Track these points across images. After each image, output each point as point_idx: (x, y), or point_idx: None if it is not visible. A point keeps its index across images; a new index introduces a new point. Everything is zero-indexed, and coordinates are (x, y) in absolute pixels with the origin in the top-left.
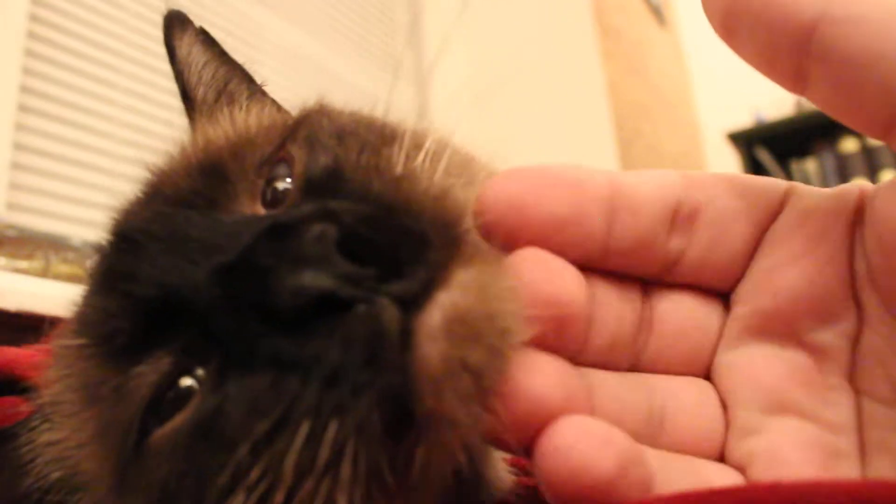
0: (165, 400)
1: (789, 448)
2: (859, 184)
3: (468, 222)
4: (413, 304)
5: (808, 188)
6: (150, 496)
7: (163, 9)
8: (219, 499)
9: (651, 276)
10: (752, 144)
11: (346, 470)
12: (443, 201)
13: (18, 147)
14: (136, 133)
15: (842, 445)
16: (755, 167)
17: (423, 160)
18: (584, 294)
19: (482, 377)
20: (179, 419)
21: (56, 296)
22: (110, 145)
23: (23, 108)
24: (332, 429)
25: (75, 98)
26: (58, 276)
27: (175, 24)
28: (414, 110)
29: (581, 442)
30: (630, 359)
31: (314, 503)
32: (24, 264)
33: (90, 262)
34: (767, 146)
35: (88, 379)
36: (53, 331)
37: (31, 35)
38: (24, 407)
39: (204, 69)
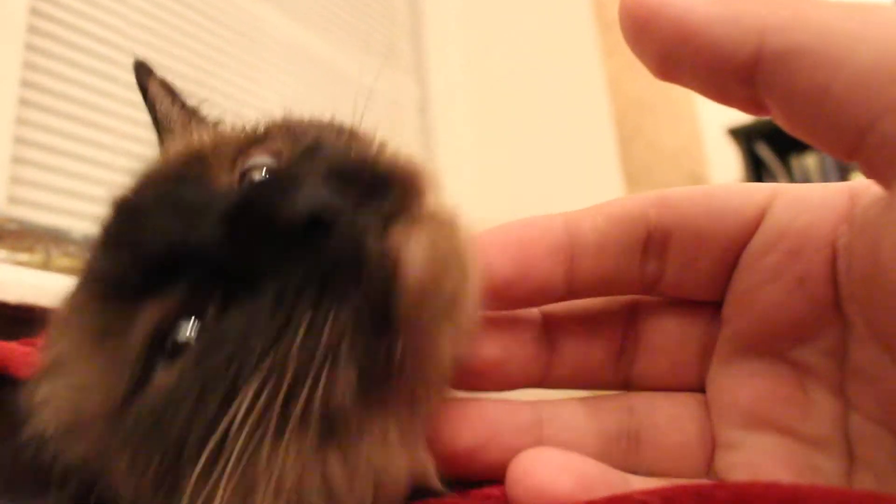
0: (171, 338)
1: (767, 463)
2: (849, 186)
3: (430, 186)
4: (393, 221)
5: (791, 196)
6: (151, 428)
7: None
8: (218, 412)
9: (634, 293)
10: (752, 140)
11: (344, 353)
12: (409, 163)
13: (19, 141)
14: (136, 127)
15: (820, 460)
16: (755, 162)
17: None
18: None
19: (452, 301)
20: (186, 355)
21: (57, 288)
22: (110, 139)
23: (24, 103)
24: (331, 318)
25: (76, 92)
26: (58, 269)
27: (142, 69)
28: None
29: (539, 470)
30: (618, 376)
31: (316, 392)
32: (24, 257)
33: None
34: (768, 141)
35: (94, 325)
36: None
37: (32, 29)
38: None
39: (173, 103)
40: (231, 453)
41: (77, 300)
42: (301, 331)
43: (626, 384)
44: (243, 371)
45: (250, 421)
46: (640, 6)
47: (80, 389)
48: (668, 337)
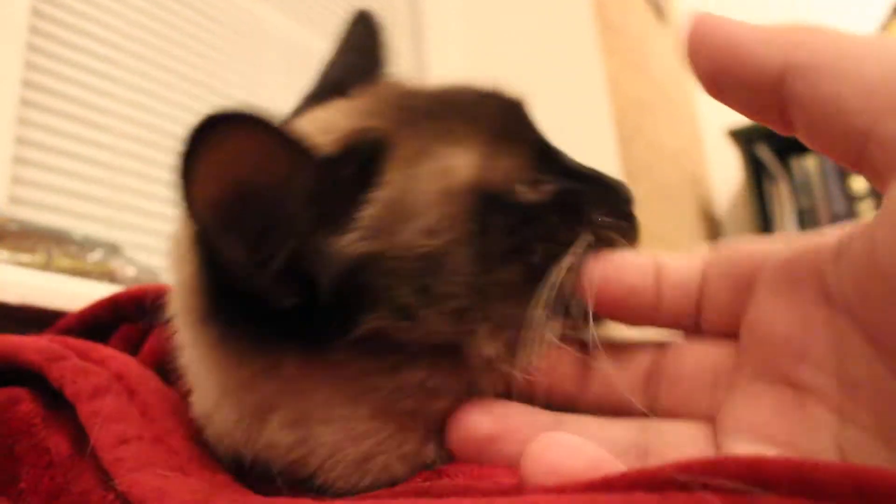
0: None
1: None
2: (834, 233)
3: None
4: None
5: (785, 244)
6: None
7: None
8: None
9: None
10: (752, 141)
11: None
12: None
13: (21, 141)
14: (138, 128)
15: None
16: (755, 164)
17: None
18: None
19: None
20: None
21: (58, 289)
22: (112, 140)
23: (25, 103)
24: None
25: (77, 93)
26: (60, 270)
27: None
28: None
29: (554, 449)
30: (644, 403)
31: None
32: (26, 258)
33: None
34: (768, 143)
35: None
36: (56, 324)
37: (34, 30)
38: (25, 405)
39: None
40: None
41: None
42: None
43: (652, 412)
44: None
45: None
46: (701, 23)
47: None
48: (685, 367)
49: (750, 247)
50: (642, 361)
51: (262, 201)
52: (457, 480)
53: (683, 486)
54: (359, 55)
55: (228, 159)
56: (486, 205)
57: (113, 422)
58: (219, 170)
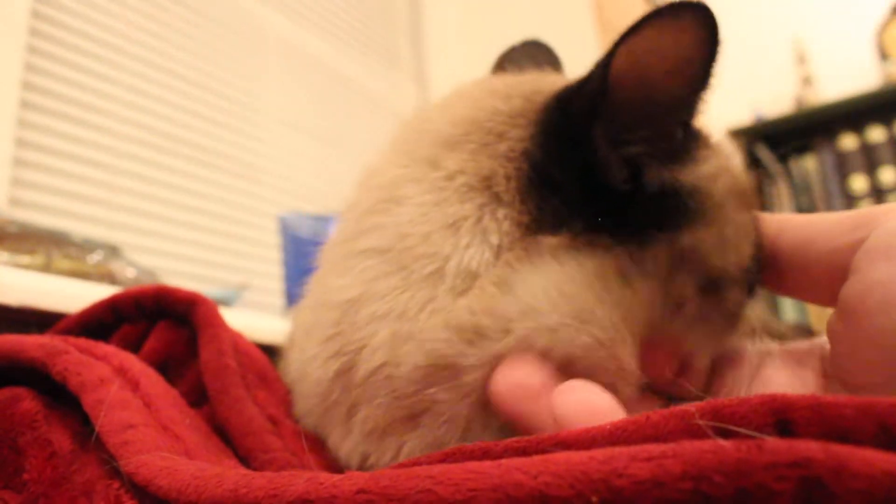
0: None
1: None
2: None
3: None
4: None
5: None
6: None
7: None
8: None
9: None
10: (751, 142)
11: None
12: None
13: (21, 143)
14: (138, 130)
15: None
16: (755, 164)
17: None
18: None
19: None
20: None
21: (58, 291)
22: (112, 142)
23: (25, 105)
24: None
25: (78, 94)
26: (59, 272)
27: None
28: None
29: (584, 388)
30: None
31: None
32: (25, 259)
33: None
34: (767, 143)
35: None
36: (56, 325)
37: (34, 32)
38: (26, 402)
39: None
40: None
41: None
42: None
43: None
44: None
45: None
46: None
47: None
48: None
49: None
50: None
51: (660, 88)
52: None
53: (696, 434)
54: (539, 67)
55: (670, 40)
56: None
57: (118, 409)
58: (648, 44)
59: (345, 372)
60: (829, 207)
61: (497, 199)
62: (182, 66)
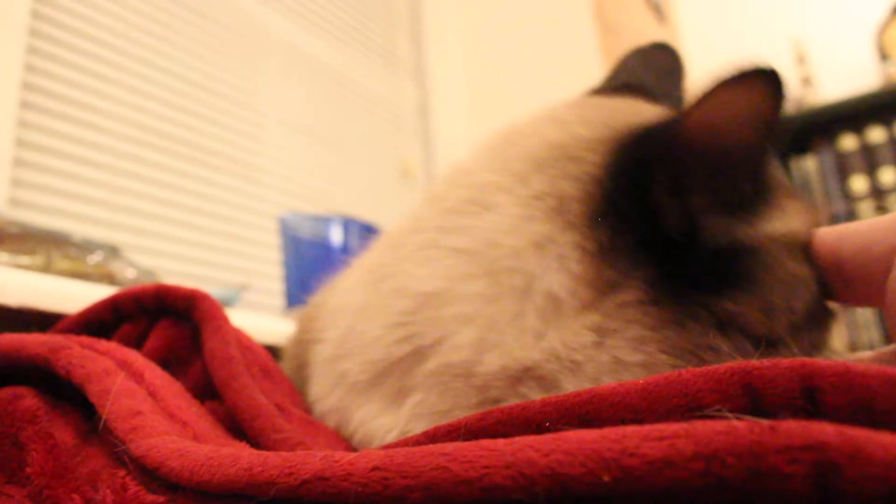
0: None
1: None
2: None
3: None
4: None
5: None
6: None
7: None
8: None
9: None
10: None
11: None
12: None
13: (21, 144)
14: (138, 131)
15: None
16: None
17: None
18: None
19: None
20: None
21: (58, 291)
22: (112, 142)
23: (25, 105)
24: None
25: (78, 95)
26: (59, 273)
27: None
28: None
29: None
30: None
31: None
32: (25, 260)
33: (92, 257)
34: None
35: None
36: (56, 325)
37: (34, 32)
38: (28, 400)
39: None
40: None
41: None
42: None
43: None
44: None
45: None
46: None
47: None
48: None
49: None
50: None
51: (729, 141)
52: None
53: (725, 393)
54: (658, 74)
55: (743, 101)
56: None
57: (125, 397)
58: (731, 103)
59: (410, 357)
60: (830, 207)
61: (570, 224)
62: (182, 66)
